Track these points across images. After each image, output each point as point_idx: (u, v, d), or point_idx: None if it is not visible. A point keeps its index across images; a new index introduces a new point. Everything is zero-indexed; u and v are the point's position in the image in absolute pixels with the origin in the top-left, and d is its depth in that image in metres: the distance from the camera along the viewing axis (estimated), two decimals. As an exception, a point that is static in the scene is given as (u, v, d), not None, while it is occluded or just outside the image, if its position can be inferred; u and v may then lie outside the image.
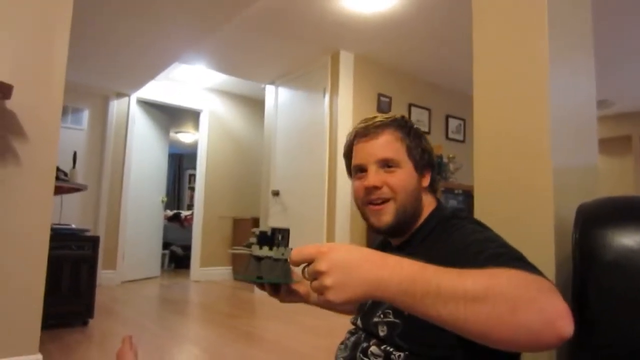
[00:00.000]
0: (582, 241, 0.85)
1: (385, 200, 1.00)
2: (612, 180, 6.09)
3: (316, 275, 0.69)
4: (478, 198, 1.32)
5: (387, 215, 1.00)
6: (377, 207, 1.01)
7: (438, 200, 1.10)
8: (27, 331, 1.73)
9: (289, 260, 1.01)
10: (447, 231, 0.95)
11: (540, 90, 1.19)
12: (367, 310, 1.02)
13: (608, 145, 6.19)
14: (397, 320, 0.91)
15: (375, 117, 1.08)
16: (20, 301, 1.72)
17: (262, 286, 1.11)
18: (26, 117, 1.76)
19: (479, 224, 0.95)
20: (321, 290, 0.68)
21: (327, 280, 0.66)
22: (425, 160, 1.05)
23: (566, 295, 1.01)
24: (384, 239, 1.18)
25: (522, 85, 1.25)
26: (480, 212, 1.31)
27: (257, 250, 1.00)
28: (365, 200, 1.03)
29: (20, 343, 1.70)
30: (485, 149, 1.33)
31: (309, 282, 0.84)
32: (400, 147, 1.02)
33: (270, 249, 1.00)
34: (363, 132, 1.05)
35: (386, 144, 1.02)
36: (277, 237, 1.02)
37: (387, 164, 1.01)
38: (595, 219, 0.87)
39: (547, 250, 1.11)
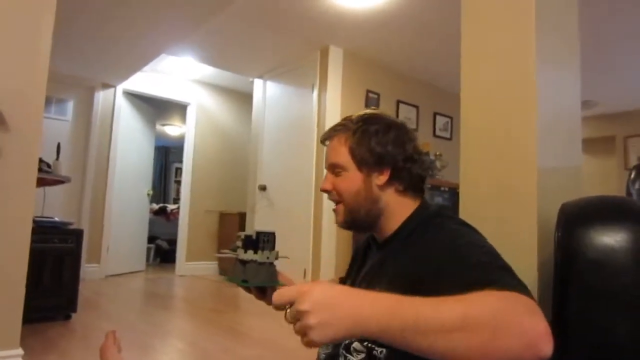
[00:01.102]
0: (564, 240, 0.86)
1: (337, 202, 1.07)
2: (595, 180, 6.18)
3: (299, 316, 0.67)
4: (463, 196, 1.34)
5: (339, 215, 1.08)
6: (334, 208, 1.09)
7: (422, 199, 1.08)
8: (8, 325, 1.70)
9: (274, 264, 1.03)
10: (430, 231, 0.95)
11: (528, 91, 1.21)
12: None
13: (592, 145, 6.28)
14: None
15: (344, 118, 1.11)
16: (1, 295, 1.69)
17: (248, 289, 1.11)
18: (8, 105, 1.72)
19: (464, 224, 0.94)
20: (304, 331, 0.66)
21: (311, 320, 0.65)
22: (375, 159, 1.02)
23: (547, 294, 1.03)
24: (369, 237, 1.18)
25: (510, 85, 1.26)
26: (465, 211, 1.32)
27: (242, 254, 1.00)
28: (329, 200, 1.10)
29: (1, 337, 1.68)
30: (472, 147, 1.34)
31: (296, 284, 0.85)
32: (344, 149, 1.04)
33: (255, 252, 1.00)
34: (322, 137, 1.13)
35: (333, 149, 1.07)
36: (262, 241, 1.02)
37: (334, 168, 1.07)
38: (577, 218, 0.88)
39: (530, 250, 1.12)
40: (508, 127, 1.24)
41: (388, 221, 1.04)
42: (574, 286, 0.82)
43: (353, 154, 1.03)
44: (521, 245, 1.14)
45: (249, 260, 1.00)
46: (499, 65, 1.30)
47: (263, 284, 1.04)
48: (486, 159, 1.29)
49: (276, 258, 1.04)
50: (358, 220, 1.05)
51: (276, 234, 1.03)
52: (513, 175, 1.20)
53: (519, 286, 0.69)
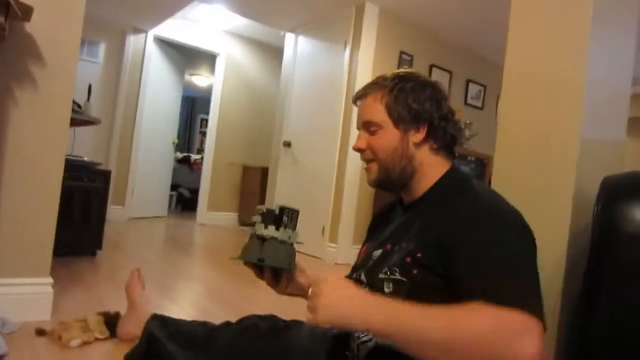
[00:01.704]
0: (603, 213, 0.84)
1: (370, 160, 1.06)
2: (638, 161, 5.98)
3: (312, 300, 0.81)
4: (498, 162, 1.31)
5: (372, 173, 1.06)
6: (366, 167, 1.08)
7: (453, 162, 1.07)
8: (40, 255, 1.77)
9: (294, 245, 0.96)
10: (462, 199, 0.93)
11: (579, 59, 1.15)
12: (371, 265, 1.03)
13: (636, 125, 6.02)
14: (403, 279, 0.92)
15: (377, 77, 1.09)
16: (34, 226, 1.76)
17: (260, 271, 1.03)
18: (45, 43, 1.73)
19: (496, 199, 0.92)
20: (312, 309, 0.80)
21: (321, 304, 0.79)
22: (412, 116, 1.01)
23: (576, 267, 1.02)
24: (392, 201, 1.19)
25: (560, 50, 1.21)
26: (499, 178, 1.29)
27: (261, 229, 0.92)
28: (362, 160, 1.09)
29: (33, 266, 1.75)
30: (512, 115, 1.30)
31: (310, 274, 0.88)
32: (380, 107, 1.03)
33: (277, 229, 0.93)
34: (355, 96, 1.11)
35: (367, 107, 1.05)
36: (286, 217, 0.95)
37: (369, 126, 1.05)
38: (619, 192, 0.86)
39: (562, 221, 1.10)
40: (553, 95, 1.20)
41: (420, 181, 1.04)
42: (610, 260, 0.81)
43: (390, 111, 1.02)
44: (553, 216, 1.12)
45: (269, 237, 0.92)
46: (549, 31, 1.24)
47: (281, 266, 0.96)
48: (526, 129, 1.25)
49: (297, 241, 0.97)
50: (392, 179, 1.04)
51: (298, 208, 0.99)
52: (553, 144, 1.17)
53: (520, 301, 0.71)
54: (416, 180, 1.04)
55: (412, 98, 1.02)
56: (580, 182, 1.11)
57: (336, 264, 3.83)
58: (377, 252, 1.04)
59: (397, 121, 1.02)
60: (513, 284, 0.76)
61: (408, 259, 0.92)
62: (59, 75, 1.78)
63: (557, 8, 1.23)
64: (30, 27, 1.65)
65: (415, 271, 0.90)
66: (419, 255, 0.90)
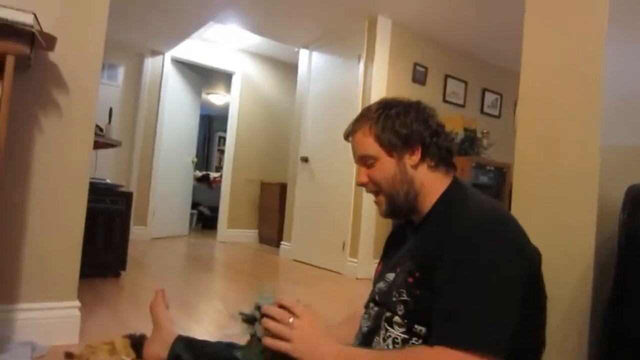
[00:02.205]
0: (630, 223, 0.82)
1: (376, 193, 1.09)
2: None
3: (286, 327, 0.96)
4: (518, 176, 1.29)
5: (381, 205, 1.09)
6: (375, 200, 1.11)
7: (454, 178, 1.08)
8: (67, 279, 1.80)
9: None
10: (447, 223, 0.95)
11: (595, 66, 1.14)
12: (385, 289, 1.06)
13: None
14: (408, 299, 0.95)
15: (363, 110, 1.13)
16: (61, 250, 1.79)
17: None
18: (68, 71, 1.78)
19: (491, 221, 0.91)
20: (283, 337, 0.95)
21: (291, 338, 0.94)
22: (403, 140, 1.03)
23: (604, 278, 0.99)
24: (402, 223, 1.20)
25: (575, 59, 1.19)
26: (520, 191, 1.28)
27: (260, 330, 1.00)
28: (367, 193, 1.12)
29: (61, 289, 1.78)
30: (530, 125, 1.29)
31: (288, 303, 0.94)
32: (370, 139, 1.05)
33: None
34: (345, 135, 1.13)
35: (359, 142, 1.08)
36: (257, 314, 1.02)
37: (365, 160, 1.07)
38: (646, 200, 0.84)
39: (587, 233, 1.08)
40: (571, 103, 1.18)
41: (424, 201, 1.06)
42: (637, 270, 0.79)
43: (380, 141, 1.05)
44: (578, 227, 1.10)
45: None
46: (565, 39, 1.23)
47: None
48: (545, 137, 1.24)
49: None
50: (400, 206, 1.06)
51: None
52: (574, 151, 1.15)
53: (475, 343, 0.77)
54: (420, 202, 1.05)
55: (398, 123, 1.04)
56: (603, 190, 1.09)
57: (357, 278, 3.80)
58: (390, 275, 1.06)
59: (389, 149, 1.04)
60: (471, 324, 0.79)
61: (410, 279, 0.95)
62: (81, 101, 1.83)
63: (571, 14, 1.22)
64: (53, 56, 1.71)
65: (417, 291, 0.93)
66: (417, 274, 0.94)
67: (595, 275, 1.06)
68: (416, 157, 1.04)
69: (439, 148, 1.05)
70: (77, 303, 1.82)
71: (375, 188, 1.08)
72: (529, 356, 0.96)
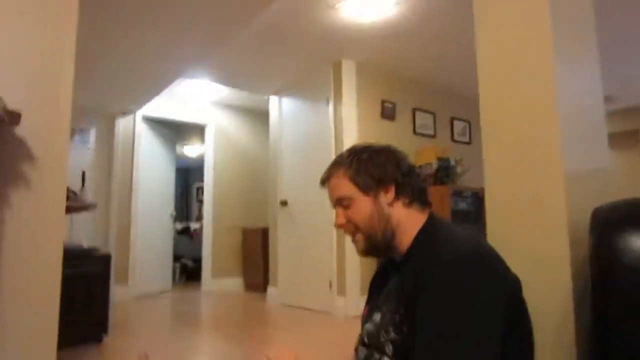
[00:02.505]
0: (599, 247, 0.84)
1: (354, 233, 1.11)
2: (619, 175, 6.04)
3: None
4: (489, 206, 1.31)
5: (359, 244, 1.11)
6: (353, 240, 1.13)
7: (430, 214, 1.11)
8: (44, 349, 1.72)
9: None
10: (422, 262, 0.97)
11: (547, 93, 1.18)
12: (373, 330, 1.06)
13: (614, 140, 6.13)
14: (396, 336, 0.96)
15: (336, 157, 1.18)
16: (36, 322, 1.72)
17: None
18: (35, 142, 1.77)
19: (456, 262, 0.92)
20: None
21: None
22: (377, 180, 1.08)
23: (584, 304, 1.01)
24: (385, 261, 1.22)
25: (528, 87, 1.24)
26: (493, 222, 1.29)
27: None
28: (345, 234, 1.14)
29: (38, 364, 1.71)
30: (495, 156, 1.31)
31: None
32: (345, 182, 1.09)
33: None
34: (321, 182, 1.18)
35: (334, 186, 1.12)
36: None
37: (342, 202, 1.10)
38: (610, 223, 0.87)
39: (562, 259, 1.09)
40: (529, 132, 1.22)
41: (402, 240, 1.08)
42: (611, 294, 0.80)
43: (355, 182, 1.09)
44: (553, 254, 1.11)
45: None
46: (516, 68, 1.27)
47: None
48: (510, 166, 1.26)
49: None
50: (377, 244, 1.08)
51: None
52: (539, 181, 1.18)
53: None
54: (398, 240, 1.07)
55: (371, 165, 1.09)
56: (573, 216, 1.11)
57: (347, 316, 3.75)
58: (377, 316, 1.07)
59: (364, 189, 1.08)
60: (451, 357, 0.80)
61: (396, 317, 0.96)
62: (51, 170, 1.81)
63: (517, 39, 1.27)
64: (19, 129, 1.70)
65: (405, 328, 0.94)
66: (402, 311, 0.95)
67: (575, 300, 1.07)
68: (390, 194, 1.07)
69: (412, 187, 1.10)
70: (57, 378, 1.74)
71: (354, 228, 1.10)
72: None
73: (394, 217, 1.07)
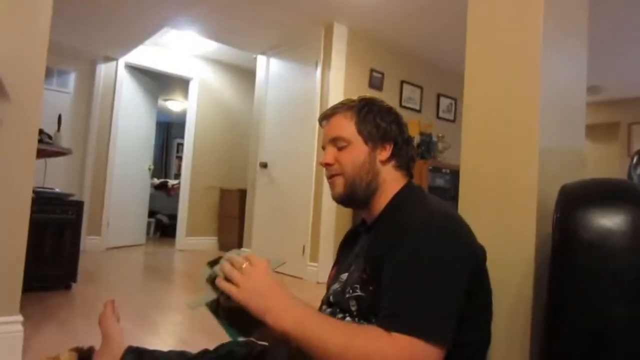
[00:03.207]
0: (562, 221, 0.86)
1: (335, 175, 1.09)
2: (598, 166, 6.17)
3: (239, 273, 0.88)
4: (464, 179, 1.33)
5: (337, 187, 1.09)
6: (330, 180, 1.11)
7: (409, 180, 1.12)
8: (8, 292, 1.72)
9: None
10: (395, 218, 1.00)
11: (532, 73, 1.19)
12: (339, 288, 1.07)
13: (596, 131, 6.24)
14: (363, 294, 0.96)
15: (343, 100, 1.16)
16: (1, 263, 1.71)
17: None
18: (8, 75, 1.71)
19: (428, 218, 0.95)
20: (235, 282, 0.87)
21: (242, 284, 0.87)
22: (381, 134, 1.08)
23: (544, 277, 1.03)
24: (356, 225, 1.24)
25: (514, 66, 1.24)
26: (465, 194, 1.32)
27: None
28: (326, 176, 1.13)
29: (1, 304, 1.70)
30: (474, 128, 1.33)
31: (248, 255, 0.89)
32: (349, 124, 1.09)
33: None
34: (321, 118, 1.16)
35: (336, 124, 1.10)
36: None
37: (338, 142, 1.09)
38: (575, 199, 0.88)
39: (528, 233, 1.12)
40: (510, 110, 1.23)
41: (380, 198, 1.08)
42: (570, 268, 0.82)
43: (359, 128, 1.08)
44: (520, 228, 1.14)
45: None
46: (504, 48, 1.28)
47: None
48: (488, 141, 1.28)
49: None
50: (357, 194, 1.07)
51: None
52: (514, 157, 1.20)
53: (416, 329, 0.80)
54: (377, 197, 1.08)
55: (379, 118, 1.09)
56: (542, 191, 1.13)
57: (318, 282, 3.81)
58: (344, 275, 1.08)
59: (366, 138, 1.08)
60: (414, 311, 0.82)
61: (364, 275, 0.97)
62: (23, 107, 1.76)
63: (508, 20, 1.27)
64: (-9, 63, 1.64)
65: (370, 287, 0.95)
66: (368, 270, 0.96)
67: (536, 273, 1.10)
68: (387, 152, 1.08)
69: (407, 153, 1.12)
70: (20, 318, 1.74)
71: (339, 170, 1.08)
72: (476, 352, 0.99)
73: (382, 175, 1.08)
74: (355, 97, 1.16)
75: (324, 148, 1.14)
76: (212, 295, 0.93)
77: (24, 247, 1.75)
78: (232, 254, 0.95)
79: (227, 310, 0.95)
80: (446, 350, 0.82)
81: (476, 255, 0.97)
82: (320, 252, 3.92)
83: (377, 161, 1.08)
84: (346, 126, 1.08)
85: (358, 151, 1.07)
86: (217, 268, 0.93)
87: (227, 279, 0.89)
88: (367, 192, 1.07)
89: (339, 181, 1.09)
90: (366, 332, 0.84)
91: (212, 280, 0.93)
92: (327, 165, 1.10)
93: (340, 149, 1.08)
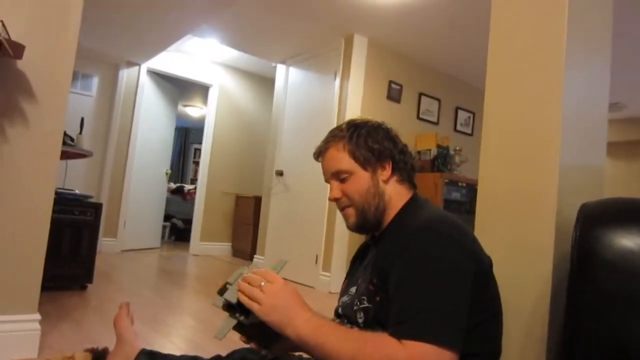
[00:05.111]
0: (582, 239, 0.85)
1: (346, 207, 1.11)
2: (619, 184, 6.06)
3: (259, 290, 0.92)
4: (482, 193, 1.33)
5: (350, 217, 1.11)
6: (343, 213, 1.13)
7: (414, 193, 1.14)
8: (27, 291, 1.75)
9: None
10: (401, 229, 1.01)
11: (554, 89, 1.19)
12: (348, 301, 1.09)
13: (617, 148, 6.15)
14: (369, 306, 0.98)
15: (331, 130, 1.18)
16: (22, 262, 1.74)
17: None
18: (36, 79, 1.76)
19: (431, 228, 0.95)
20: (255, 299, 0.91)
21: (264, 300, 0.90)
22: (377, 155, 1.09)
23: (561, 295, 1.02)
24: (367, 239, 1.24)
25: (536, 82, 1.24)
26: (483, 209, 1.31)
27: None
28: (338, 209, 1.15)
29: (20, 302, 1.73)
30: (493, 142, 1.33)
31: (262, 270, 0.91)
32: (344, 155, 1.10)
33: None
34: (316, 154, 1.18)
35: (332, 158, 1.12)
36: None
37: (339, 175, 1.10)
38: (596, 218, 0.87)
39: (546, 250, 1.11)
40: (531, 125, 1.23)
41: (389, 215, 1.10)
42: (588, 287, 0.82)
43: (355, 156, 1.09)
44: (537, 244, 1.13)
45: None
46: (527, 63, 1.28)
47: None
48: (507, 156, 1.27)
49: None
50: (369, 219, 1.09)
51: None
52: (533, 173, 1.19)
53: (427, 334, 0.79)
54: (386, 216, 1.10)
55: (371, 140, 1.10)
56: (561, 209, 1.12)
57: (330, 292, 3.80)
58: (353, 289, 1.10)
59: (364, 164, 1.09)
60: (422, 316, 0.82)
61: (371, 287, 0.99)
62: (50, 110, 1.81)
63: (532, 35, 1.27)
64: (21, 64, 1.69)
65: (377, 298, 0.96)
66: (375, 281, 0.97)
67: (553, 291, 1.08)
68: (387, 171, 1.09)
69: (406, 164, 1.12)
70: (38, 316, 1.77)
71: (348, 202, 1.10)
72: None
73: (387, 193, 1.09)
74: (344, 123, 1.17)
75: (327, 181, 1.15)
76: (232, 321, 0.97)
77: (44, 247, 1.79)
78: (244, 271, 0.98)
79: (250, 327, 0.98)
80: (459, 355, 0.81)
81: (481, 261, 0.97)
82: (333, 262, 3.91)
83: (380, 182, 1.09)
84: (342, 158, 1.10)
85: (360, 179, 1.08)
86: (231, 291, 0.97)
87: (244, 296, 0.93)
88: (377, 214, 1.09)
89: (350, 212, 1.10)
90: (376, 339, 0.85)
91: (227, 307, 0.97)
92: (335, 199, 1.12)
93: (343, 180, 1.10)
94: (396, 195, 1.10)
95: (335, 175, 1.11)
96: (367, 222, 1.10)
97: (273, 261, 1.02)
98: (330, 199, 1.13)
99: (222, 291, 1.01)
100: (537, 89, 1.23)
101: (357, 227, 1.12)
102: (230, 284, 0.99)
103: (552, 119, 1.17)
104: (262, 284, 0.92)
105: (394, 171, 1.10)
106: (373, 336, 0.87)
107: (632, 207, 0.89)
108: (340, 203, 1.12)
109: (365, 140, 1.09)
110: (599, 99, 1.37)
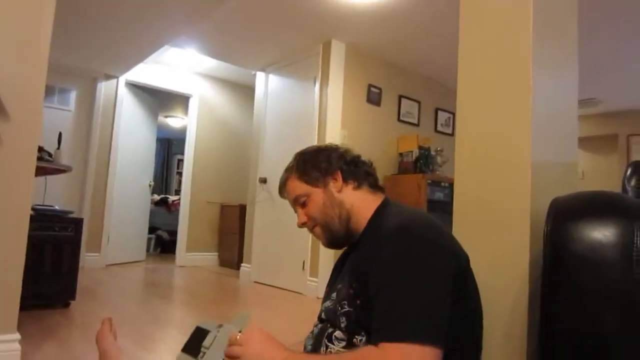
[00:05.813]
0: (553, 234, 0.87)
1: (313, 227, 1.17)
2: (597, 178, 6.17)
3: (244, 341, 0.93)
4: (458, 192, 1.34)
5: (320, 236, 1.18)
6: (313, 234, 1.19)
7: (385, 197, 1.17)
8: (5, 310, 1.71)
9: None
10: (375, 233, 1.04)
11: (523, 88, 1.21)
12: (330, 306, 1.10)
13: (594, 143, 6.26)
14: (350, 309, 0.99)
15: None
16: (-1, 281, 1.71)
17: None
18: (8, 94, 1.73)
19: (405, 229, 0.96)
20: (237, 354, 0.91)
21: (250, 349, 0.91)
22: (323, 172, 1.15)
23: (538, 290, 1.04)
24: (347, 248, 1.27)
25: (505, 82, 1.26)
26: (459, 208, 1.32)
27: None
28: (310, 232, 1.20)
29: (-2, 322, 1.69)
30: (467, 144, 1.34)
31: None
32: (297, 183, 1.18)
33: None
34: (279, 192, 1.25)
35: (290, 190, 1.20)
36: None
37: (299, 200, 1.17)
38: (566, 212, 0.89)
39: (522, 247, 1.13)
40: (502, 125, 1.25)
41: (358, 221, 1.13)
42: (561, 281, 0.83)
43: (305, 180, 1.17)
44: (513, 242, 1.14)
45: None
46: (496, 63, 1.30)
47: None
48: (480, 157, 1.29)
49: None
50: (336, 230, 1.13)
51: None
52: (506, 172, 1.21)
53: (409, 334, 0.81)
54: (354, 223, 1.13)
55: (314, 161, 1.17)
56: (535, 206, 1.14)
57: (318, 297, 3.79)
58: (334, 294, 1.11)
59: (314, 182, 1.15)
60: (402, 318, 0.83)
61: (350, 290, 1.00)
62: (23, 126, 1.78)
63: (499, 36, 1.29)
64: (-8, 81, 1.66)
65: (358, 301, 0.97)
66: (354, 285, 0.99)
67: (531, 287, 1.10)
68: (339, 181, 1.15)
69: (358, 171, 1.17)
70: (17, 336, 1.73)
71: (314, 222, 1.16)
72: (465, 358, 0.98)
73: (346, 201, 1.13)
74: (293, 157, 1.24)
75: (295, 212, 1.21)
76: None
77: (21, 265, 1.76)
78: (217, 333, 1.01)
79: None
80: (443, 350, 0.82)
81: (457, 257, 0.97)
82: (320, 267, 3.90)
83: (334, 193, 1.14)
84: (296, 186, 1.17)
85: (316, 197, 1.14)
86: (210, 356, 0.98)
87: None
88: (342, 223, 1.12)
89: (318, 231, 1.16)
90: (357, 354, 0.87)
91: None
92: (303, 225, 1.18)
93: (303, 205, 1.16)
94: (359, 201, 1.13)
95: (297, 202, 1.18)
96: (335, 235, 1.14)
97: (235, 317, 1.07)
98: (298, 226, 1.19)
99: (191, 351, 1.02)
100: (506, 88, 1.25)
101: (329, 243, 1.17)
102: (207, 348, 1.00)
103: (522, 118, 1.19)
104: (238, 337, 0.94)
105: (345, 180, 1.15)
106: (353, 354, 0.90)
107: (600, 199, 0.91)
108: (308, 226, 1.18)
109: (310, 162, 1.17)
110: (568, 95, 1.39)
